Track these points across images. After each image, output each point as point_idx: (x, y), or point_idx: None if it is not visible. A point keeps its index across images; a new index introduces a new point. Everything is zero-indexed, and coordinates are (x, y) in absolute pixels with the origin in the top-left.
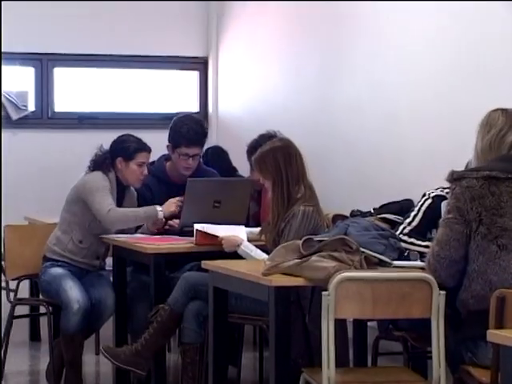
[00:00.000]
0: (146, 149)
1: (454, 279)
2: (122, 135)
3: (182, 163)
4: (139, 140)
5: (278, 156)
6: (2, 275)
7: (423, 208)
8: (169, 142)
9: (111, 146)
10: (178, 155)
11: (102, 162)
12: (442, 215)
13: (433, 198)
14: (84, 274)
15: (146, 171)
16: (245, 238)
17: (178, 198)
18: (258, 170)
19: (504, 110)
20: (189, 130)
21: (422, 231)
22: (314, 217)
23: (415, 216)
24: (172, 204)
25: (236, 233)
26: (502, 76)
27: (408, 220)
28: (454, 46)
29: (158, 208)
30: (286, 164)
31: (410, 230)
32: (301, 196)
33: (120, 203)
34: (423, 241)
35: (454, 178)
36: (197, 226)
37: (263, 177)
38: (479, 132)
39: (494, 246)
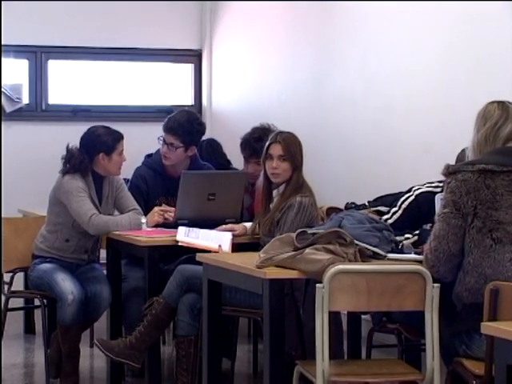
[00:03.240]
0: (121, 136)
1: (452, 274)
2: (91, 130)
3: (161, 149)
4: (110, 129)
5: (300, 143)
6: None
7: (403, 205)
8: None
9: (86, 143)
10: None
11: (79, 166)
12: (438, 210)
13: (416, 195)
14: (74, 268)
15: (125, 157)
16: (228, 246)
17: (161, 208)
18: (284, 149)
19: (500, 103)
20: (172, 117)
21: (400, 228)
22: (310, 208)
23: (394, 213)
24: (155, 214)
25: (223, 238)
26: (496, 68)
27: (386, 216)
28: (448, 38)
29: (143, 219)
30: (302, 153)
31: None
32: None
33: (100, 195)
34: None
35: (450, 171)
36: (180, 237)
37: (288, 157)
38: (475, 124)
39: (488, 240)
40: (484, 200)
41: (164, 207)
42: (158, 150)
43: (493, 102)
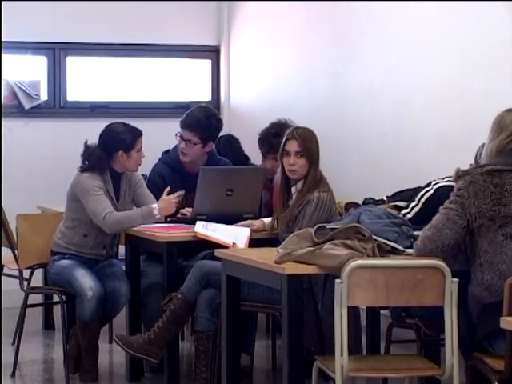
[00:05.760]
0: (140, 133)
1: None
2: (110, 127)
3: (179, 145)
4: (129, 126)
5: (316, 139)
6: (15, 264)
7: (423, 200)
8: None
9: (105, 141)
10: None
11: (96, 164)
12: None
13: (435, 189)
14: (92, 264)
15: (143, 154)
16: (244, 243)
17: (175, 195)
18: (301, 145)
19: None
20: (190, 113)
21: (419, 223)
22: (329, 204)
23: (413, 207)
24: (171, 204)
25: (240, 234)
26: (511, 59)
27: (405, 211)
28: (467, 32)
29: (155, 211)
30: (318, 149)
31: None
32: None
33: (117, 191)
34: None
35: (459, 175)
36: (197, 228)
37: (305, 153)
38: (490, 131)
39: (499, 236)
40: (490, 199)
41: (178, 193)
42: (175, 147)
43: (510, 111)
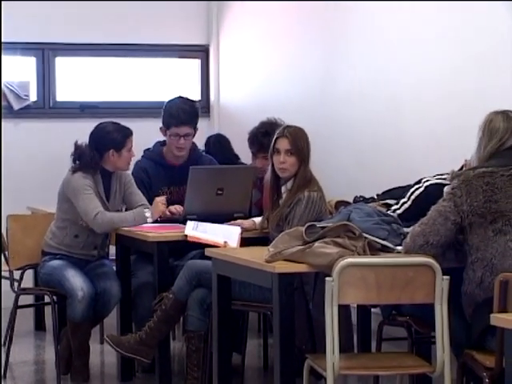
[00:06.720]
0: (131, 132)
1: None
2: (101, 126)
3: (174, 143)
4: (119, 125)
5: (307, 138)
6: (5, 265)
7: (413, 197)
8: (162, 124)
9: (95, 140)
10: (169, 136)
11: (89, 163)
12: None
13: (426, 187)
14: (83, 264)
15: (133, 153)
16: (235, 241)
17: (163, 197)
18: (292, 143)
19: (504, 115)
20: (178, 109)
21: (408, 219)
22: (319, 203)
23: (403, 204)
24: (160, 205)
25: (231, 233)
26: (507, 59)
27: (395, 207)
28: (457, 29)
29: (147, 214)
30: (309, 147)
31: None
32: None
33: (108, 191)
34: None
35: (453, 176)
36: (188, 230)
37: (296, 151)
38: (480, 137)
39: (490, 232)
40: (482, 195)
41: (163, 197)
42: (157, 142)
43: (497, 113)
